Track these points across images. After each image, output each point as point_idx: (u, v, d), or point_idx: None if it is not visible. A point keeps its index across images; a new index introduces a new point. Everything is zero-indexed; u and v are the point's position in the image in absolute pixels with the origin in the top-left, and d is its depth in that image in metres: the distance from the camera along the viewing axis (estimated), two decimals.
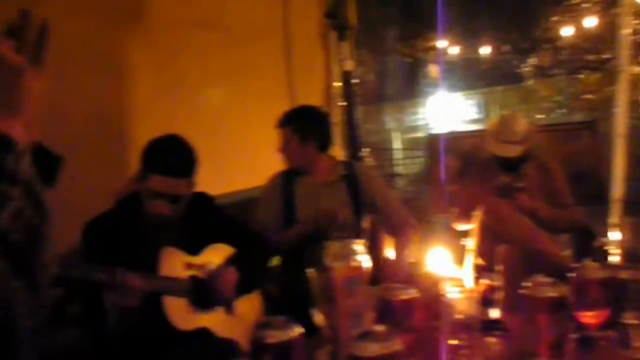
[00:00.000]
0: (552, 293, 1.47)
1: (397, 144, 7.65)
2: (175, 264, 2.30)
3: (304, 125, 2.92)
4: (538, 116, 6.86)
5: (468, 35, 7.10)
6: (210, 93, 3.60)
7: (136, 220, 2.29)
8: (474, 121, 7.54)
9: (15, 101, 0.93)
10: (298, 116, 2.97)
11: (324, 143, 2.98)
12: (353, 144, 4.46)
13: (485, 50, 7.21)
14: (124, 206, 2.36)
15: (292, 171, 2.99)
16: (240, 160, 3.61)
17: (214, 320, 2.33)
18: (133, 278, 2.06)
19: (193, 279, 2.32)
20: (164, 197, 2.24)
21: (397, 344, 1.13)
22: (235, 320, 2.39)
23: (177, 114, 3.28)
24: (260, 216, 2.96)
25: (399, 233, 3.03)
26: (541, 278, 1.54)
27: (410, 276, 2.77)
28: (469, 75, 7.34)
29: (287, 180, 2.99)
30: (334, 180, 2.95)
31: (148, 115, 3.17)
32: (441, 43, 6.89)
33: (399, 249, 3.01)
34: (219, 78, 3.64)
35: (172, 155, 2.27)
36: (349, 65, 4.39)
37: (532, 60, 7.15)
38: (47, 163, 1.00)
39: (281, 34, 4.14)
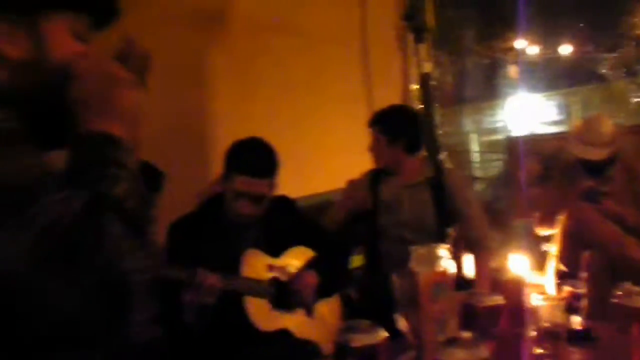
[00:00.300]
0: None
1: (475, 146, 7.51)
2: (258, 265, 2.34)
3: (392, 126, 2.91)
4: (623, 117, 6.61)
5: (548, 34, 6.92)
6: (288, 97, 3.64)
7: (219, 221, 2.35)
8: (555, 123, 7.33)
9: (119, 112, 0.99)
10: (388, 116, 2.95)
11: (413, 145, 2.94)
12: (431, 146, 4.41)
13: (565, 49, 7.01)
14: (207, 208, 2.42)
15: (380, 171, 2.99)
16: (318, 163, 3.63)
17: (295, 322, 2.36)
18: (211, 277, 2.12)
19: (274, 280, 2.35)
20: (247, 196, 2.29)
21: (483, 351, 1.12)
22: (316, 322, 2.40)
23: (256, 118, 3.34)
24: (333, 212, 2.97)
25: (474, 252, 2.94)
26: (631, 286, 1.49)
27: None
28: (549, 76, 7.14)
29: (374, 179, 2.99)
30: (418, 183, 2.91)
31: (228, 119, 3.24)
32: (520, 43, 6.74)
33: (476, 272, 2.90)
34: (297, 82, 3.68)
35: (255, 156, 2.32)
36: (427, 67, 4.34)
37: (616, 59, 6.90)
38: (152, 178, 1.07)
39: (358, 37, 4.15)
